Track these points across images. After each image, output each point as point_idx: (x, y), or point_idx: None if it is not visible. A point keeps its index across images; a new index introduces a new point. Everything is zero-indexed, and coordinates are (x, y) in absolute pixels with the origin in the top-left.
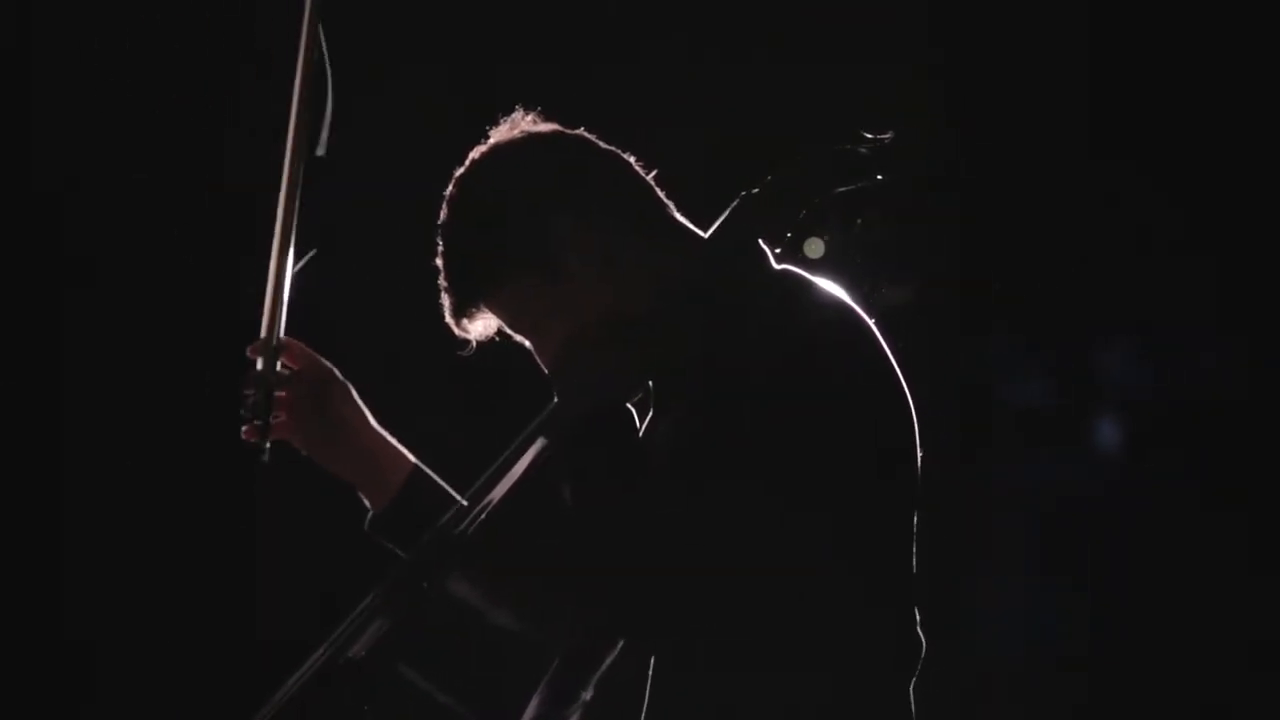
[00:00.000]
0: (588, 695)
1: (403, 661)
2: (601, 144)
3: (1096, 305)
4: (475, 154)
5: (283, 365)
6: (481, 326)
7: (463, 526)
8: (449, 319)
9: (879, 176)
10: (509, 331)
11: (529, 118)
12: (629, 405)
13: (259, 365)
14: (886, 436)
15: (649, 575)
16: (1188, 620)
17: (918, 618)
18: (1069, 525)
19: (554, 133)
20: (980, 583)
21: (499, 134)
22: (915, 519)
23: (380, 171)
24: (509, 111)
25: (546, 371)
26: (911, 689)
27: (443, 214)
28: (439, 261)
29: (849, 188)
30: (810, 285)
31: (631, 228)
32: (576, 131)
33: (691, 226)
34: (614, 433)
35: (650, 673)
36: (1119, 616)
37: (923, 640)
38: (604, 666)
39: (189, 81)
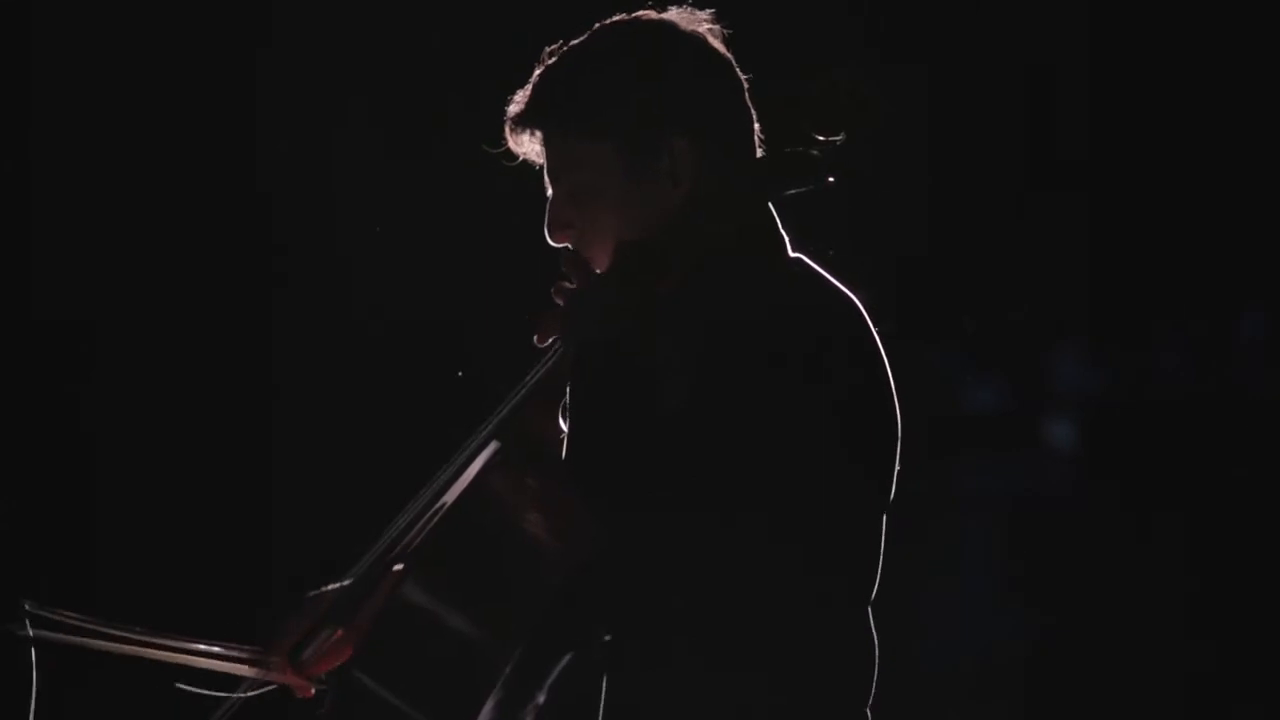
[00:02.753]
0: (541, 698)
1: (355, 666)
2: (748, 96)
3: (1051, 309)
4: (647, 15)
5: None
6: (528, 147)
7: (415, 531)
8: (507, 121)
9: (830, 179)
10: (545, 173)
11: (714, 27)
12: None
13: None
14: (871, 440)
15: (621, 572)
16: (1142, 624)
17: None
18: (1024, 529)
19: (727, 60)
20: (935, 587)
21: (678, 15)
22: (884, 524)
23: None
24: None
25: (546, 233)
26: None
27: (585, 37)
28: (539, 68)
29: (799, 190)
30: (821, 279)
31: (727, 189)
32: (743, 75)
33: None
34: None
35: (605, 673)
36: (1073, 622)
37: (875, 642)
38: (558, 669)
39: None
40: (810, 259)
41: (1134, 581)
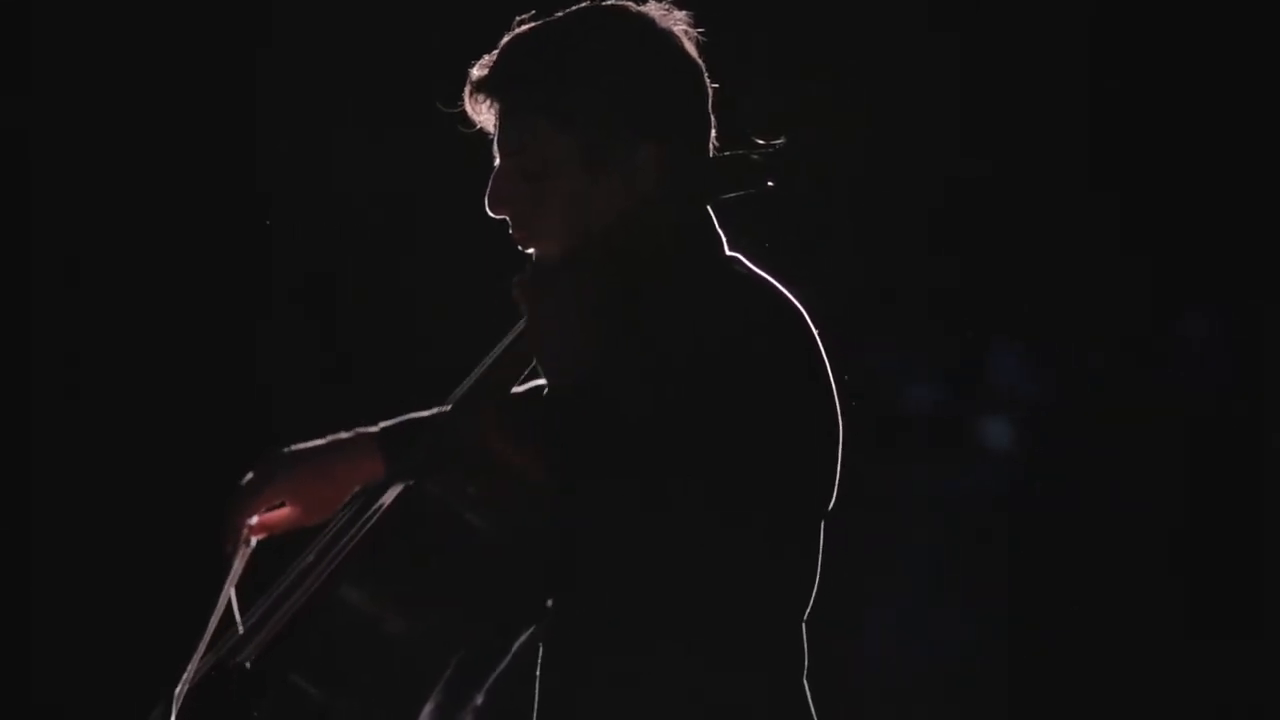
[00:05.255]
0: (479, 699)
1: (293, 669)
2: (711, 104)
3: (993, 310)
4: (626, 5)
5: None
6: (487, 116)
7: (354, 531)
8: (468, 84)
9: (769, 183)
10: (496, 144)
11: (689, 29)
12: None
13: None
14: (813, 436)
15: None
16: (1088, 624)
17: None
18: (966, 530)
19: (698, 65)
20: (877, 590)
21: (655, 10)
22: (824, 524)
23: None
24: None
25: (486, 204)
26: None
27: (560, 16)
28: (508, 37)
29: (739, 194)
30: (765, 281)
31: (680, 191)
32: (713, 85)
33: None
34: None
35: (539, 674)
36: (1017, 624)
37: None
38: (496, 671)
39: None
40: (745, 256)
41: (1074, 582)
